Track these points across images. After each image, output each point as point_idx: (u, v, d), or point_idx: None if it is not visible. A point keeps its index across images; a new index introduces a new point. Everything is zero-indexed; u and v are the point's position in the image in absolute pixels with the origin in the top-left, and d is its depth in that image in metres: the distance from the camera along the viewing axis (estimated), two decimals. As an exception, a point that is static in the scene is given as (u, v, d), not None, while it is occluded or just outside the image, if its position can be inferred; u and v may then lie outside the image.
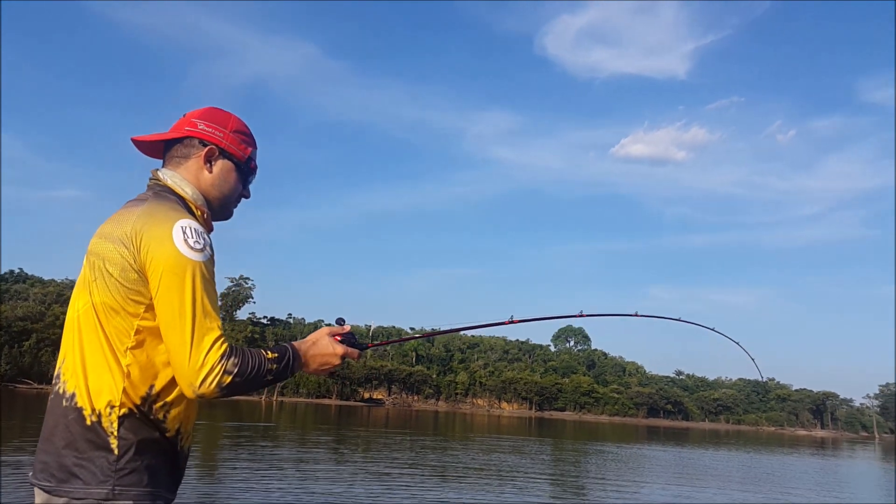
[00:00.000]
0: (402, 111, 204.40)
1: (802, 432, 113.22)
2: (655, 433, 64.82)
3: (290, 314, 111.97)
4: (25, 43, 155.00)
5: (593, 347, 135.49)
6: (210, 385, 1.52)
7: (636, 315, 2.62)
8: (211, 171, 1.80)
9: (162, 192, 1.73)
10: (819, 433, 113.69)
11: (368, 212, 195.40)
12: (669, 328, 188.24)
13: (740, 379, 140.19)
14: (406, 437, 29.68)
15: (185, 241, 1.58)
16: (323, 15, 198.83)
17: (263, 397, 74.67)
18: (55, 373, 1.70)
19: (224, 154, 1.81)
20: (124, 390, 1.57)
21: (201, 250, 1.60)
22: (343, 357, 1.80)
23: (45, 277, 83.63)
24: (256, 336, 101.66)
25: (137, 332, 1.59)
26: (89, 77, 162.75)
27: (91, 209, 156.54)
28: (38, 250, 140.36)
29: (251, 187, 1.93)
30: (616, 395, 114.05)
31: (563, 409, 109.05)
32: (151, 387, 1.60)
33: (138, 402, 1.58)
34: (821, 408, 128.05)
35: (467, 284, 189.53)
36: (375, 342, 1.98)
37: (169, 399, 1.62)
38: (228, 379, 1.54)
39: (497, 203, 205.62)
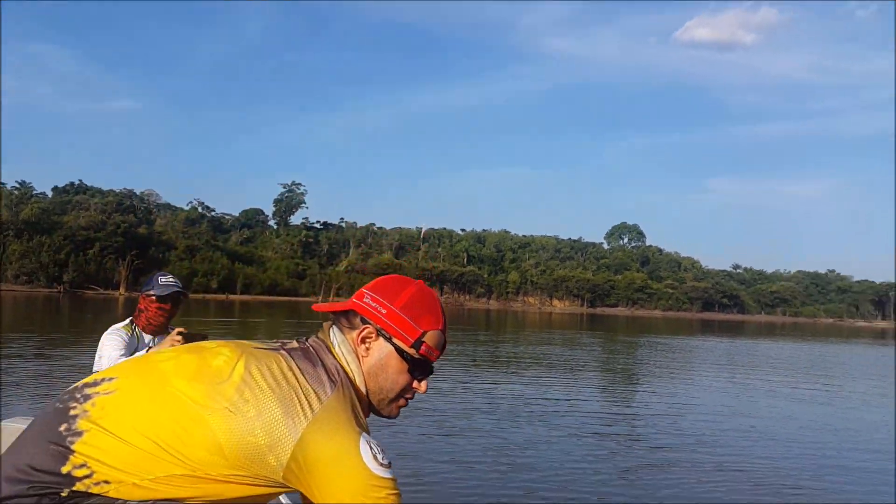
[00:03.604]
0: (450, 5, 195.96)
1: (862, 323, 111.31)
2: (710, 326, 64.56)
3: (342, 218, 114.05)
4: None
5: (648, 244, 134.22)
6: None
7: None
8: (366, 355, 1.45)
9: (341, 379, 1.38)
10: (880, 324, 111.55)
11: (417, 113, 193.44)
12: (730, 217, 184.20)
13: (799, 271, 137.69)
14: (458, 332, 30.12)
15: (375, 457, 1.28)
16: None
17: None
18: (90, 380, 1.35)
19: (383, 335, 1.43)
20: (121, 470, 1.24)
21: (388, 466, 1.30)
22: None
23: (105, 188, 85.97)
24: (310, 240, 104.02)
25: (193, 469, 1.25)
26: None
27: (144, 119, 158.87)
28: (95, 162, 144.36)
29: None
30: (670, 291, 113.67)
31: (615, 306, 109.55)
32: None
33: (106, 479, 1.23)
34: (883, 299, 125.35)
35: (519, 184, 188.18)
36: None
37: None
38: None
39: (551, 98, 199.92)
